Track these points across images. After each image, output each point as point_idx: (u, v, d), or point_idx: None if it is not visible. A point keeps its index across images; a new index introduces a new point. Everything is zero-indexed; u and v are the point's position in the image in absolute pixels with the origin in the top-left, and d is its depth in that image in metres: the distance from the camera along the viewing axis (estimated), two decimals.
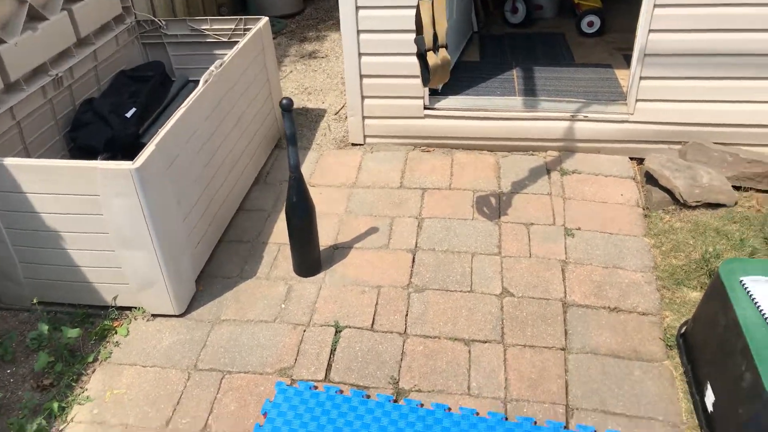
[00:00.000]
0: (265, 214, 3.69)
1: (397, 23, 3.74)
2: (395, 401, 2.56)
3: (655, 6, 3.45)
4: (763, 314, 2.18)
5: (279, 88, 4.35)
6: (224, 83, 3.43)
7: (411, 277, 3.16)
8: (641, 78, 3.70)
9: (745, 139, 3.75)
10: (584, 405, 2.49)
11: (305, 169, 4.07)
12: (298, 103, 4.92)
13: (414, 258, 3.29)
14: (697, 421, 2.39)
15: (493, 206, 3.63)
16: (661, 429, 2.39)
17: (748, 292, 2.28)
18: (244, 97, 3.73)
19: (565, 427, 2.40)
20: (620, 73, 4.40)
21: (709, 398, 2.33)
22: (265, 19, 4.03)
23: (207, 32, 4.16)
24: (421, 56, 2.70)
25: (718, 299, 2.37)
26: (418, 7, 2.65)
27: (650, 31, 3.53)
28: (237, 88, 3.62)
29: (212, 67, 3.34)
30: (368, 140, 4.28)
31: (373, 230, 3.50)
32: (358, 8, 3.78)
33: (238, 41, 3.84)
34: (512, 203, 3.64)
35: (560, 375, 2.62)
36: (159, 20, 4.21)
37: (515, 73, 4.51)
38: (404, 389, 2.62)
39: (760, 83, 3.57)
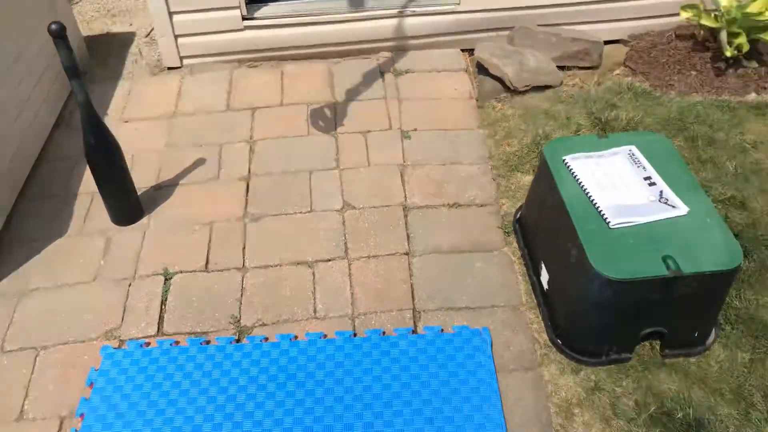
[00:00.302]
0: (72, 162, 3.23)
1: None
2: (238, 341, 2.39)
3: None
4: (585, 190, 2.21)
5: (70, 12, 3.74)
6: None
7: (246, 207, 2.93)
8: None
9: (567, 18, 3.77)
10: (430, 306, 2.47)
11: (116, 103, 3.59)
12: (102, 29, 4.30)
13: (248, 185, 3.04)
14: (535, 300, 2.45)
15: (329, 118, 3.42)
16: (503, 314, 2.42)
17: (570, 169, 2.29)
18: (18, 29, 3.14)
19: (413, 332, 2.37)
20: None
21: (545, 277, 2.38)
22: None
23: None
24: None
25: (544, 181, 2.38)
26: None
27: None
28: (3, 22, 3.02)
29: None
30: (186, 62, 3.84)
31: (200, 162, 3.18)
32: None
33: None
34: (348, 112, 3.44)
35: (405, 280, 2.57)
36: None
37: None
38: (247, 326, 2.45)
39: None
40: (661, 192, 2.18)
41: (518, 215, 2.74)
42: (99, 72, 3.86)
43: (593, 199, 2.16)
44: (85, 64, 3.86)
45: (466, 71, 3.71)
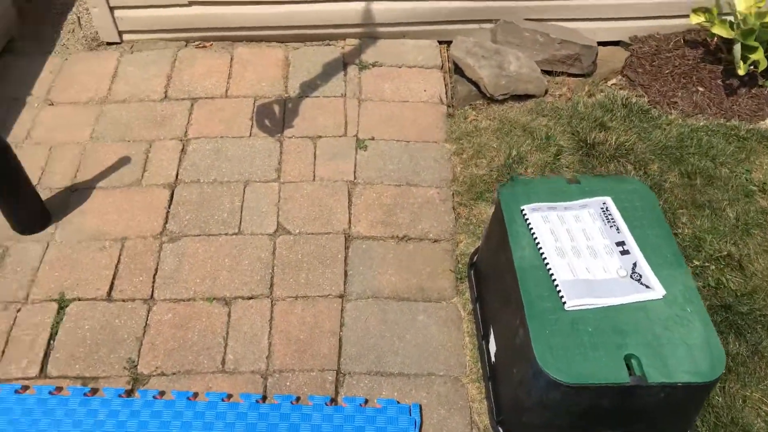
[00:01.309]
0: None
1: None
2: (129, 393, 2.05)
3: None
4: (542, 253, 1.82)
5: None
6: None
7: (166, 222, 2.55)
8: None
9: (559, 14, 3.31)
10: (358, 368, 2.12)
11: (43, 82, 3.17)
12: None
13: (172, 195, 2.65)
14: (482, 371, 2.10)
15: (277, 117, 3.00)
16: (441, 386, 2.08)
17: (527, 223, 1.91)
18: None
19: (332, 401, 2.02)
20: None
21: (492, 347, 2.02)
22: None
23: None
24: None
25: (498, 230, 1.99)
26: None
27: None
28: None
29: None
30: (126, 37, 3.39)
31: (125, 161, 2.78)
32: None
33: None
34: (300, 111, 3.03)
35: (334, 331, 2.22)
36: None
37: None
38: (143, 375, 2.11)
39: None
40: (634, 264, 1.80)
41: (474, 259, 2.36)
42: (28, 43, 3.40)
43: (550, 268, 1.78)
44: (11, 30, 3.41)
45: (441, 69, 3.27)
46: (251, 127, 2.94)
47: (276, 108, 3.04)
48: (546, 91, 3.10)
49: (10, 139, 2.87)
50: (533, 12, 3.29)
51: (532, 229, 1.88)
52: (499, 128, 2.93)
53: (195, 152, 2.82)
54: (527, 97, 3.07)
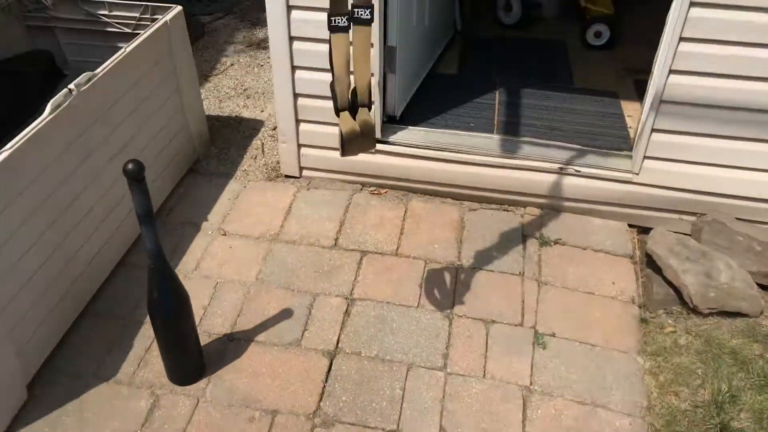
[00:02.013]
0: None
1: None
2: None
3: (681, 40, 2.55)
4: None
5: (198, 97, 3.44)
6: (95, 104, 2.54)
7: (321, 399, 2.35)
8: (653, 130, 2.82)
9: None
10: None
11: (220, 207, 3.20)
12: (233, 110, 4.01)
13: (331, 365, 2.46)
14: None
15: (447, 288, 2.79)
16: None
17: None
18: (134, 118, 2.83)
19: None
20: (628, 107, 3.51)
21: None
22: (177, 9, 3.09)
23: (105, 18, 3.22)
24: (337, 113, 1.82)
25: None
26: (329, 42, 1.77)
27: (671, 71, 2.64)
28: (120, 108, 2.72)
29: (72, 85, 2.43)
30: (305, 173, 3.40)
31: (286, 314, 2.66)
32: (290, 8, 2.85)
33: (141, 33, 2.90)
34: (472, 285, 2.80)
35: None
36: None
37: (497, 97, 3.60)
38: None
39: None
40: None
41: None
42: (214, 164, 3.51)
43: None
44: (203, 150, 3.54)
45: (631, 258, 2.95)
46: (419, 296, 2.74)
47: (447, 277, 2.84)
48: (761, 312, 2.67)
49: (181, 267, 2.87)
50: (747, 212, 2.92)
51: None
52: (703, 350, 2.52)
53: (359, 316, 2.65)
54: (737, 314, 2.65)
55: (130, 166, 1.87)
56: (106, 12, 3.20)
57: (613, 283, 2.82)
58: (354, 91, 1.75)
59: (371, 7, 1.72)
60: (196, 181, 3.40)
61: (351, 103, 1.77)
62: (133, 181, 1.89)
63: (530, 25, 4.55)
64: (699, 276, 2.67)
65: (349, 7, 1.71)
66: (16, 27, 3.36)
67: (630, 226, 3.13)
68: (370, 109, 1.76)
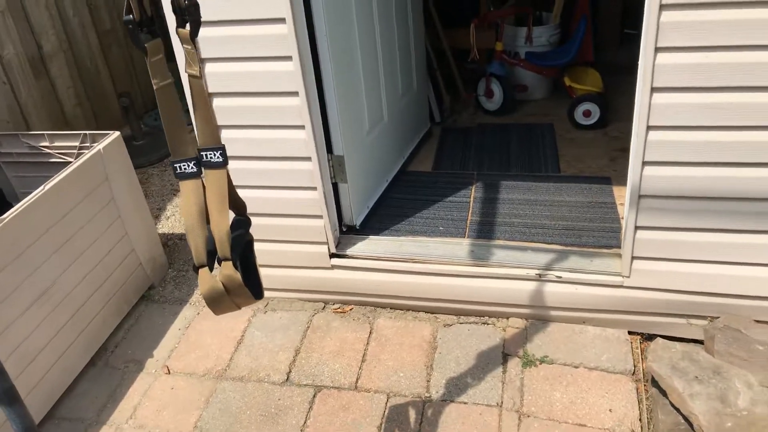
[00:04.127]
0: (82, 427, 2.52)
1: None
2: None
3: (649, 129, 2.21)
4: None
5: (148, 222, 3.23)
6: (12, 244, 2.33)
7: None
8: (637, 227, 2.43)
9: None
10: None
11: (168, 340, 2.91)
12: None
13: None
14: None
15: (411, 428, 2.37)
16: None
17: None
18: (61, 255, 2.61)
19: None
20: (622, 193, 3.14)
21: None
22: (114, 135, 2.93)
23: (46, 150, 3.10)
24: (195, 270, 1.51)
25: None
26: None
27: (645, 163, 2.28)
28: (43, 245, 2.50)
29: None
30: (266, 293, 3.08)
31: None
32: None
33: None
34: (441, 423, 2.37)
35: None
36: None
37: (473, 193, 3.28)
38: None
39: None
40: None
41: None
42: (170, 288, 3.26)
43: None
44: (159, 275, 3.30)
45: (632, 376, 2.48)
46: None
47: (412, 414, 2.42)
48: None
49: (115, 417, 2.56)
50: (764, 312, 2.44)
51: None
52: None
53: None
54: None
55: None
56: (47, 143, 3.08)
57: (610, 410, 2.35)
58: (210, 243, 1.47)
59: (221, 148, 1.46)
60: (148, 309, 3.13)
61: (207, 257, 1.48)
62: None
63: (515, 109, 4.30)
64: (711, 401, 2.18)
65: (197, 152, 1.46)
66: None
67: (630, 333, 2.68)
68: (235, 263, 1.46)
